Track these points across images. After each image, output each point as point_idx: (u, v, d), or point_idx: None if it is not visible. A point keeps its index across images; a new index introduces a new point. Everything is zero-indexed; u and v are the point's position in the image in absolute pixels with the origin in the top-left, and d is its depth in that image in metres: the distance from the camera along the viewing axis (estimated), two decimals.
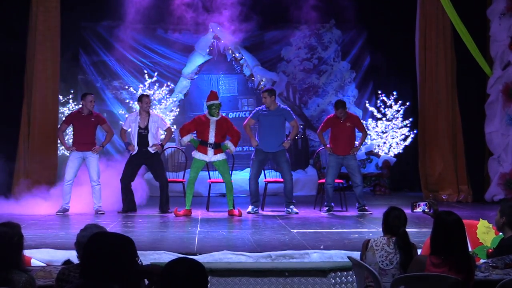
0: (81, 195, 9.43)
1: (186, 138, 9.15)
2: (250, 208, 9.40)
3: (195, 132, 9.27)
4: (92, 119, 9.34)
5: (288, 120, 9.52)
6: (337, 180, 9.69)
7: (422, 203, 5.11)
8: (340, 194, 9.82)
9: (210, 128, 8.97)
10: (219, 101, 9.16)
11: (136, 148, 9.32)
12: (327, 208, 9.44)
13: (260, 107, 9.68)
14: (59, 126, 9.77)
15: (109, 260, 2.86)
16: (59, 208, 9.10)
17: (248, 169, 12.65)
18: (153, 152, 9.30)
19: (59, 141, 11.32)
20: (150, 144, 9.27)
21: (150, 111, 9.54)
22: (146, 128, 9.32)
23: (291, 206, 9.36)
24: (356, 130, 9.78)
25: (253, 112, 9.77)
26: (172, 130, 9.87)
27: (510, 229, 5.03)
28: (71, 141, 10.09)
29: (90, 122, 9.34)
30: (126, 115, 12.66)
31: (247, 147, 13.18)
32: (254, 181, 9.47)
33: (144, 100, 9.45)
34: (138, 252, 5.82)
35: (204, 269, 2.70)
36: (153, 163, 9.36)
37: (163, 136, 9.90)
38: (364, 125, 12.35)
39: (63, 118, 10.36)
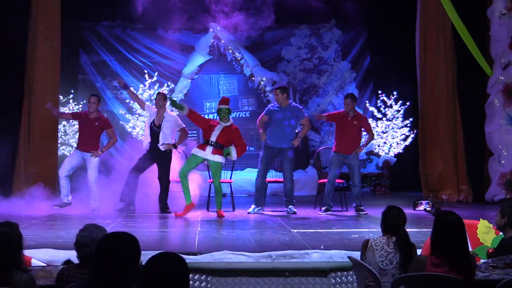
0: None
1: (185, 111, 9.05)
2: (251, 208, 9.37)
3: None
4: (96, 123, 9.36)
5: (299, 118, 9.49)
6: (337, 180, 9.66)
7: (424, 202, 5.14)
8: (340, 194, 9.81)
9: (216, 129, 8.93)
10: (228, 106, 9.06)
11: (148, 145, 9.39)
12: (325, 207, 9.42)
13: (272, 104, 9.68)
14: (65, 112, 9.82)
15: (121, 261, 2.86)
16: (59, 202, 9.14)
17: (248, 169, 12.71)
18: (163, 149, 9.32)
19: (59, 142, 11.36)
20: (160, 142, 9.29)
21: (167, 111, 9.56)
22: (160, 126, 9.38)
23: (290, 206, 9.35)
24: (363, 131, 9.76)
25: (265, 109, 9.74)
26: (188, 131, 9.85)
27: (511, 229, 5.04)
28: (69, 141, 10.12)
29: (94, 125, 9.35)
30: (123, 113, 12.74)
31: (247, 147, 13.17)
32: (261, 179, 9.45)
33: (156, 97, 9.59)
34: None
35: (184, 263, 2.70)
36: (161, 162, 9.36)
37: None
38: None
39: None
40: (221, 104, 9.09)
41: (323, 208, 9.44)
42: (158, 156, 9.35)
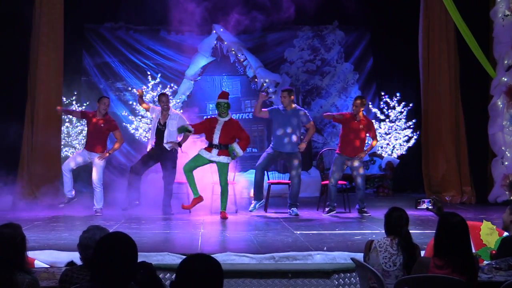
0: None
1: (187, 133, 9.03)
2: (252, 206, 9.35)
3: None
4: (102, 124, 9.37)
5: (304, 122, 9.43)
6: (340, 182, 9.65)
7: (426, 200, 5.13)
8: (343, 195, 9.80)
9: (216, 129, 8.87)
10: (227, 101, 9.00)
11: (154, 143, 9.40)
12: (328, 209, 9.41)
13: (279, 106, 9.66)
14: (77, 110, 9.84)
15: (120, 260, 2.90)
16: (63, 199, 9.19)
17: (251, 171, 12.70)
18: (168, 148, 9.33)
19: (62, 144, 11.36)
20: (165, 140, 9.31)
21: (171, 109, 9.59)
22: (165, 124, 9.39)
23: (293, 208, 9.34)
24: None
25: (271, 106, 9.71)
26: (192, 130, 9.84)
27: None
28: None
29: (100, 126, 9.36)
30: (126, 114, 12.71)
31: (249, 148, 13.16)
32: (261, 173, 9.38)
33: (161, 99, 9.54)
34: (142, 253, 5.85)
35: (219, 266, 2.71)
36: (166, 162, 9.35)
37: None
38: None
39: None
40: (220, 98, 9.04)
41: (326, 209, 9.43)
42: (163, 156, 9.35)
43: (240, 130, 9.03)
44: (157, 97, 9.93)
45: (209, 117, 9.26)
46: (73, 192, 9.29)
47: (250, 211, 9.32)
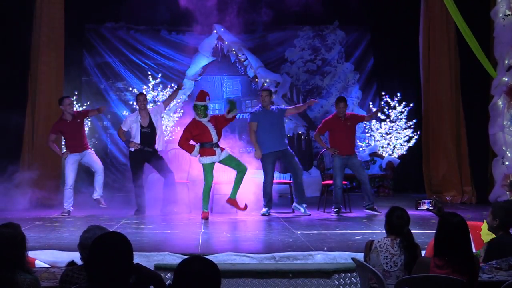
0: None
1: (195, 153, 8.93)
2: (264, 210, 9.31)
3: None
4: (78, 120, 9.33)
5: (285, 109, 9.59)
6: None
7: (426, 201, 5.13)
8: (344, 195, 9.80)
9: (210, 129, 8.83)
10: (205, 103, 8.86)
11: (138, 146, 9.30)
12: (336, 209, 9.40)
13: (256, 109, 9.59)
14: (49, 137, 9.43)
15: (116, 259, 2.91)
16: (63, 210, 9.15)
17: (252, 171, 12.69)
18: (161, 148, 9.33)
19: (63, 144, 11.35)
20: (157, 142, 9.29)
21: (147, 108, 9.47)
22: (150, 126, 9.31)
23: (304, 205, 9.30)
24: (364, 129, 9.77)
25: (250, 116, 9.58)
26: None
27: (503, 230, 5.02)
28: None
29: (76, 126, 9.31)
30: (126, 114, 12.67)
31: (251, 148, 13.14)
32: (270, 185, 9.38)
33: (139, 98, 9.44)
34: (142, 253, 5.85)
35: (217, 268, 2.72)
36: (155, 160, 9.32)
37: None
38: (368, 126, 12.43)
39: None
40: (199, 100, 8.91)
41: (334, 210, 9.40)
42: (150, 157, 9.31)
43: (219, 118, 8.98)
44: (135, 98, 9.73)
45: (189, 123, 9.05)
46: (72, 208, 9.24)
47: (263, 214, 9.25)
